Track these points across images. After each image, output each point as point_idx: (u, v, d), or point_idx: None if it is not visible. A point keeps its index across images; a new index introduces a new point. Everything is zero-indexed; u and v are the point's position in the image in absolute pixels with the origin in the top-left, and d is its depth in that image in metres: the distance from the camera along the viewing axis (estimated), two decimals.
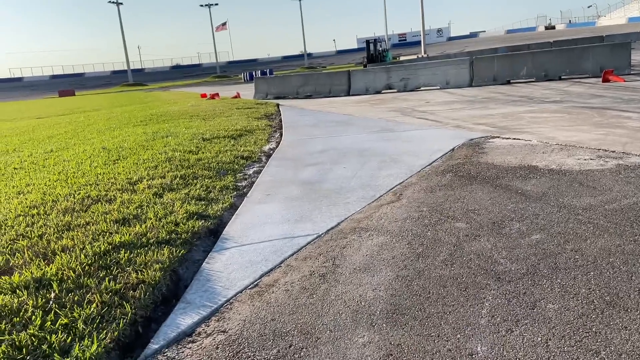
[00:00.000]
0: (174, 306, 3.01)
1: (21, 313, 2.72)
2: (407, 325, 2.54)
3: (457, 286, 2.90)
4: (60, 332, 2.54)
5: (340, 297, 2.89)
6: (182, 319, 2.80)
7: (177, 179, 5.60)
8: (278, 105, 16.01)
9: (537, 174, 5.09)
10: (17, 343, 2.45)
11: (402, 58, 50.05)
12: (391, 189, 5.01)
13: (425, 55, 48.13)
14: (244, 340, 2.54)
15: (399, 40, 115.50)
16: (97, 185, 5.43)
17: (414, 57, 48.48)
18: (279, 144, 8.18)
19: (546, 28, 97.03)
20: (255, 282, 3.17)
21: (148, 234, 3.81)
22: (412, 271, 3.14)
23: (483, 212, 4.10)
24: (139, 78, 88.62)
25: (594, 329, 2.36)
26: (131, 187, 5.27)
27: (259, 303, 2.91)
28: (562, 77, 17.24)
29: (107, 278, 3.11)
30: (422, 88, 17.87)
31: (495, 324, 2.48)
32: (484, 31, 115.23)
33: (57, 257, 3.43)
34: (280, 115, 12.93)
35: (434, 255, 3.35)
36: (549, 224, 3.71)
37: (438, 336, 2.43)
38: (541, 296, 2.71)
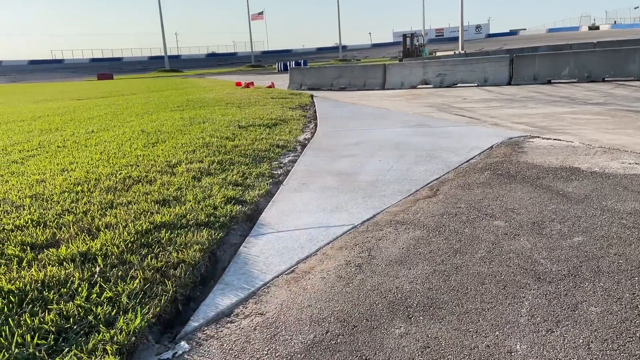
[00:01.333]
0: (212, 287, 3.07)
1: (68, 284, 2.82)
2: (445, 320, 2.53)
3: (496, 284, 2.87)
4: (105, 304, 2.62)
5: (376, 287, 2.90)
6: (220, 299, 2.85)
7: (215, 164, 5.68)
8: (312, 96, 16.02)
9: (580, 175, 4.98)
10: (64, 313, 2.53)
11: (438, 54, 49.41)
12: (427, 184, 4.98)
13: (462, 52, 47.42)
14: (281, 324, 2.58)
15: (436, 36, 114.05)
16: (138, 166, 5.55)
17: (451, 53, 47.83)
18: (313, 134, 8.21)
19: (590, 28, 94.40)
20: (292, 268, 3.21)
21: (187, 216, 3.88)
22: (450, 266, 3.12)
23: (523, 211, 4.04)
24: (175, 64, 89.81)
25: (638, 334, 2.31)
26: (170, 170, 5.37)
27: (295, 288, 2.94)
28: (606, 79, 16.76)
29: (149, 256, 3.19)
30: (458, 85, 17.63)
31: (535, 324, 2.45)
32: (525, 29, 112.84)
33: (101, 233, 3.53)
34: (315, 106, 12.95)
35: (472, 252, 3.32)
36: (591, 227, 3.64)
37: (476, 332, 2.42)
38: (583, 298, 2.66)
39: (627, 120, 8.56)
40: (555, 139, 7.02)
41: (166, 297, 2.74)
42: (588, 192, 4.42)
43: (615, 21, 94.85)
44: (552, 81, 17.05)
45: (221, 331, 2.55)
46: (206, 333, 2.54)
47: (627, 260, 3.08)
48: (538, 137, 7.27)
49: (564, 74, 16.56)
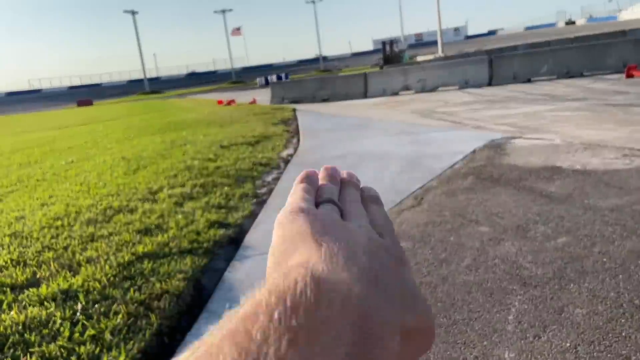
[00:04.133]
0: (197, 315, 3.02)
1: (50, 324, 2.76)
2: None
3: (483, 292, 2.86)
4: (88, 343, 2.57)
5: None
6: (205, 329, 2.79)
7: (197, 187, 5.64)
8: (294, 110, 16.03)
9: (562, 174, 5.01)
10: (47, 354, 2.48)
11: (419, 58, 49.80)
12: (412, 193, 4.98)
13: (442, 55, 47.85)
14: None
15: (416, 41, 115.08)
16: (119, 195, 5.49)
17: (431, 56, 48.22)
18: (296, 149, 8.20)
19: (566, 24, 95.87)
20: None
21: (170, 244, 3.84)
22: (436, 277, 3.11)
23: (507, 215, 4.04)
24: (155, 86, 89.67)
25: (623, 334, 2.31)
26: (152, 197, 5.32)
27: None
28: (584, 73, 16.98)
29: (131, 289, 3.14)
30: (440, 88, 17.76)
31: (522, 330, 2.44)
32: (503, 29, 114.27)
33: (83, 268, 3.48)
34: (297, 120, 12.95)
35: (458, 260, 3.31)
36: (574, 227, 3.65)
37: (464, 343, 2.40)
38: (569, 301, 2.66)
39: (606, 115, 8.65)
40: (537, 138, 7.07)
41: (151, 331, 2.69)
42: (570, 191, 4.44)
43: (590, 15, 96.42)
44: (532, 79, 17.23)
45: None
46: None
47: (610, 259, 3.08)
48: (520, 137, 7.32)
49: (543, 71, 16.76)
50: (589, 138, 6.68)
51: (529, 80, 17.14)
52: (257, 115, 14.85)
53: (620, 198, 4.14)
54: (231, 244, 4.12)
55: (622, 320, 2.42)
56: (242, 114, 15.69)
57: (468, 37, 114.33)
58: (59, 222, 4.62)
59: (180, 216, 4.55)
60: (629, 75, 15.00)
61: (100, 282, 3.22)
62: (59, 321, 2.79)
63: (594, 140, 6.47)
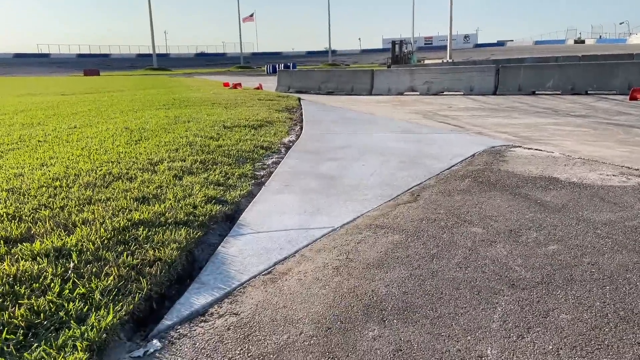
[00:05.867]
0: (188, 286, 3.05)
1: (40, 279, 2.78)
2: (418, 323, 2.54)
3: (471, 289, 2.90)
4: (77, 300, 2.59)
5: (352, 290, 2.91)
6: (195, 298, 2.83)
7: (197, 163, 5.65)
8: (299, 99, 16.03)
9: (558, 185, 5.05)
10: (35, 308, 2.50)
11: (426, 61, 49.75)
12: (409, 189, 5.01)
13: (450, 60, 47.80)
14: (255, 324, 2.57)
15: (425, 44, 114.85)
16: (119, 163, 5.50)
17: (439, 61, 48.20)
18: (299, 137, 8.21)
19: (575, 42, 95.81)
20: (269, 269, 3.20)
21: (166, 214, 3.86)
22: (426, 271, 3.14)
23: (500, 219, 4.08)
24: (163, 63, 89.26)
25: (606, 342, 2.35)
26: (152, 168, 5.33)
27: (272, 289, 2.94)
28: (589, 92, 17.02)
29: (125, 253, 3.16)
30: (445, 93, 17.78)
31: (506, 329, 2.48)
32: (512, 40, 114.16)
33: (78, 229, 3.50)
34: (302, 109, 12.96)
35: (449, 257, 3.35)
36: (566, 236, 3.69)
37: (448, 336, 2.43)
38: (555, 306, 2.70)
39: (607, 133, 8.69)
40: (536, 149, 7.10)
41: (140, 295, 2.72)
42: (565, 202, 4.48)
43: (600, 36, 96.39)
44: (536, 92, 17.28)
45: (194, 330, 2.53)
46: (179, 332, 2.52)
47: (599, 270, 3.12)
48: (520, 146, 7.36)
49: (548, 85, 16.79)
50: (588, 154, 6.72)
51: (533, 93, 17.19)
52: (262, 100, 14.84)
53: (614, 213, 4.18)
54: (227, 220, 4.15)
55: (606, 329, 2.46)
56: (247, 98, 15.67)
57: (477, 45, 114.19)
58: (57, 183, 4.63)
59: (178, 188, 4.57)
60: (633, 98, 15.04)
61: (94, 244, 3.24)
62: (50, 277, 2.81)
63: (592, 156, 6.51)
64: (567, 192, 4.81)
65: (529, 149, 7.18)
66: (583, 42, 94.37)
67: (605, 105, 13.70)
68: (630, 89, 15.82)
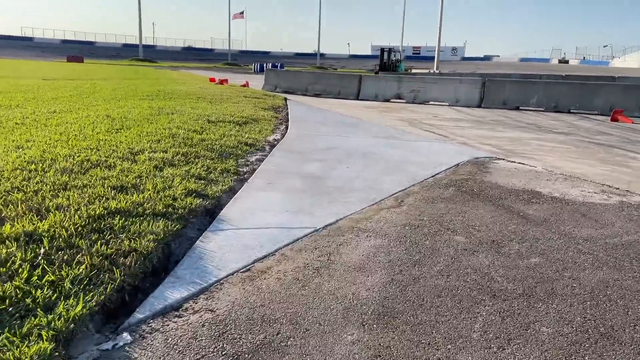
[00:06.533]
0: (163, 279, 2.95)
1: (8, 264, 2.66)
2: (398, 329, 2.49)
3: (452, 297, 2.86)
4: (46, 288, 2.48)
5: (332, 292, 2.85)
6: (170, 292, 2.74)
7: (179, 155, 5.54)
8: (286, 99, 15.95)
9: (540, 199, 5.05)
10: (1, 293, 2.38)
11: (414, 71, 50.03)
12: (393, 194, 4.97)
13: (437, 71, 48.17)
14: (231, 322, 2.49)
15: (413, 53, 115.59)
16: (98, 150, 5.36)
17: (426, 71, 48.54)
18: (284, 136, 8.13)
19: (560, 61, 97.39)
20: (248, 267, 3.12)
21: (145, 205, 3.75)
22: (408, 277, 3.09)
23: (483, 229, 4.06)
24: (149, 54, 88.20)
25: (586, 358, 2.32)
26: (132, 157, 5.21)
27: (250, 287, 2.86)
28: (572, 110, 17.25)
29: (99, 241, 3.05)
30: (431, 102, 17.85)
31: (487, 340, 2.44)
32: (498, 56, 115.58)
33: (51, 214, 3.37)
34: (288, 109, 12.88)
35: (431, 264, 3.31)
36: (548, 249, 3.68)
37: (429, 344, 2.38)
38: (536, 318, 2.67)
39: (589, 151, 8.79)
40: (519, 163, 7.13)
41: (113, 286, 2.62)
42: (547, 216, 4.48)
43: (584, 57, 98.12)
44: (520, 108, 17.46)
45: (167, 325, 2.44)
46: (151, 326, 2.43)
47: (580, 285, 3.11)
48: (503, 159, 7.38)
49: (532, 102, 16.98)
50: (570, 170, 6.76)
51: (517, 108, 17.36)
52: (248, 98, 14.72)
53: (595, 230, 4.19)
54: (206, 215, 4.05)
55: (587, 345, 2.43)
56: (233, 94, 15.53)
57: (464, 58, 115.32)
58: (32, 166, 4.47)
59: (158, 179, 4.45)
60: (614, 119, 15.29)
61: (67, 231, 3.12)
62: (18, 262, 2.69)
63: (574, 173, 6.55)
64: (549, 206, 4.82)
65: (512, 162, 7.21)
66: (567, 62, 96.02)
67: (587, 125, 13.89)
68: (612, 110, 16.09)
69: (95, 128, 6.84)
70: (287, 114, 11.58)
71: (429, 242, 3.70)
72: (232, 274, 3.02)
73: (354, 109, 14.45)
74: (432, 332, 2.48)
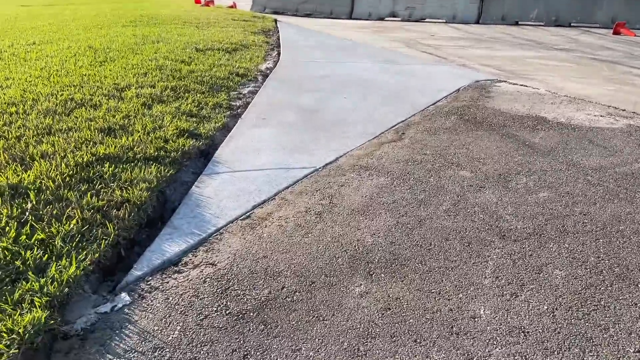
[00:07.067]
0: (159, 230, 2.83)
1: None
2: (407, 278, 2.40)
3: (460, 240, 2.75)
4: (36, 248, 2.35)
5: (336, 239, 2.73)
6: (168, 245, 2.62)
7: (168, 90, 5.26)
8: (276, 21, 15.26)
9: (546, 126, 4.88)
10: None
11: None
12: (393, 126, 4.78)
13: None
14: (233, 276, 2.39)
15: None
16: (82, 87, 5.07)
17: None
18: (276, 63, 7.77)
19: None
20: (248, 213, 2.99)
21: (135, 149, 3.56)
22: (414, 219, 2.98)
23: (489, 161, 3.91)
24: None
25: (602, 303, 2.25)
26: (118, 94, 4.94)
27: (250, 237, 2.74)
28: (572, 24, 16.68)
29: (89, 193, 2.89)
30: (427, 20, 17.17)
31: (499, 286, 2.36)
32: None
33: (36, 163, 3.18)
34: (279, 32, 12.32)
35: (437, 203, 3.18)
36: (557, 182, 3.55)
37: (439, 293, 2.30)
38: (548, 260, 2.58)
39: (592, 69, 8.51)
40: (521, 85, 6.89)
41: (107, 242, 2.49)
42: (554, 145, 4.33)
43: None
44: (519, 23, 16.86)
45: (167, 282, 2.34)
46: (150, 284, 2.32)
47: (592, 221, 3.01)
48: (505, 81, 7.13)
49: (531, 16, 16.35)
50: (574, 91, 6.54)
51: (516, 24, 16.77)
52: (237, 21, 14.05)
53: (604, 158, 4.05)
54: (201, 156, 3.88)
55: (602, 288, 2.35)
56: (221, 17, 14.81)
57: None
58: (13, 109, 4.22)
59: (147, 119, 4.23)
60: (616, 32, 14.82)
61: (54, 182, 2.95)
62: (4, 219, 2.54)
63: (579, 94, 6.34)
64: (556, 133, 4.66)
65: (514, 84, 6.96)
66: None
67: (588, 39, 13.44)
68: (614, 22, 15.54)
69: (77, 61, 6.49)
70: (278, 38, 11.08)
71: (433, 179, 3.56)
72: (232, 222, 2.90)
73: (347, 30, 13.86)
74: (442, 280, 2.39)
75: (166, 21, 12.83)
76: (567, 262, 2.57)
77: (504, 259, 2.59)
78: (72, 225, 2.54)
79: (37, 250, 2.33)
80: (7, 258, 2.26)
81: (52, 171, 3.07)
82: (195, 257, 2.55)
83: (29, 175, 2.99)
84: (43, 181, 2.94)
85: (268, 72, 7.06)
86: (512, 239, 2.79)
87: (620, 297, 2.29)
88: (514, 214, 3.07)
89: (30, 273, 2.18)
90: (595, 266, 2.54)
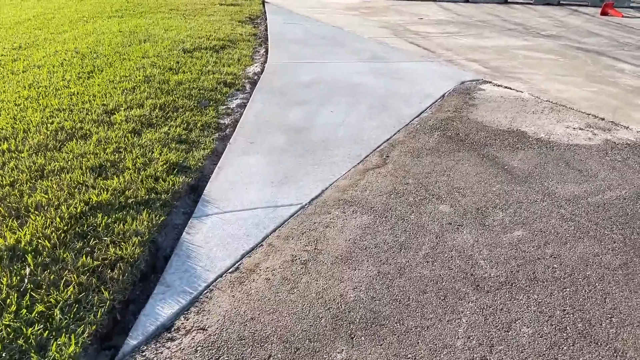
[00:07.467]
0: (153, 284, 2.99)
1: None
2: (386, 342, 2.58)
3: (437, 293, 2.93)
4: (37, 323, 2.50)
5: (320, 294, 2.90)
6: (161, 307, 2.78)
7: (156, 110, 5.34)
8: (264, 3, 15.10)
9: (526, 143, 5.03)
10: None
11: None
12: (378, 147, 4.91)
13: None
14: (223, 343, 2.56)
15: None
16: (71, 111, 5.13)
17: None
18: (264, 65, 7.80)
19: None
20: (237, 264, 3.15)
21: (126, 192, 3.68)
22: (394, 267, 3.15)
23: (468, 192, 4.07)
24: None
25: None
26: (107, 119, 5.01)
27: (239, 294, 2.90)
28: (562, 2, 16.66)
29: (84, 250, 3.03)
30: None
31: (470, 348, 2.54)
32: None
33: (31, 217, 3.31)
34: (267, 20, 12.23)
35: (417, 247, 3.35)
36: (531, 217, 3.73)
37: (414, 358, 2.49)
38: (517, 315, 2.77)
39: (576, 62, 8.61)
40: (505, 87, 7.02)
41: (103, 309, 2.64)
42: (532, 169, 4.49)
43: None
44: (508, 1, 16.82)
45: (161, 353, 2.51)
46: (145, 356, 2.49)
47: (561, 265, 3.20)
48: (490, 82, 7.25)
49: None
50: (557, 94, 6.68)
51: (505, 2, 16.74)
52: (224, 5, 13.91)
53: (579, 185, 4.22)
54: (191, 192, 4.00)
55: (564, 348, 2.55)
56: (207, 1, 14.63)
57: None
58: (5, 145, 4.30)
59: (137, 151, 4.33)
60: (604, 13, 14.84)
61: (50, 240, 3.08)
62: (5, 289, 2.69)
63: (561, 98, 6.48)
64: (534, 154, 4.81)
65: (498, 86, 7.08)
66: None
67: (576, 22, 13.47)
68: (603, 1, 15.53)
69: (65, 73, 6.50)
70: (266, 29, 11.03)
71: (414, 216, 3.72)
72: (221, 275, 3.05)
73: (336, 13, 13.77)
74: (418, 343, 2.58)
75: (152, 9, 12.69)
76: (534, 317, 2.76)
77: (477, 315, 2.77)
78: (69, 293, 2.69)
79: (37, 326, 2.48)
80: (11, 336, 2.42)
81: (47, 227, 3.20)
82: (187, 320, 2.72)
83: (25, 233, 3.12)
84: (39, 240, 3.07)
85: (256, 78, 7.11)
86: (485, 290, 2.97)
87: (581, 358, 2.49)
88: (488, 259, 3.25)
89: (32, 352, 2.34)
90: (561, 321, 2.73)
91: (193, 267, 3.11)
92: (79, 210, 3.40)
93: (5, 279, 2.74)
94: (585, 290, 2.98)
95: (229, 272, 3.09)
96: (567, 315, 2.77)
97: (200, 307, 2.81)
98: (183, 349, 2.53)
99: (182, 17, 11.65)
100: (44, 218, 3.29)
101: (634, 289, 3.00)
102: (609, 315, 2.78)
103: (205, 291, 2.93)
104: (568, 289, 2.98)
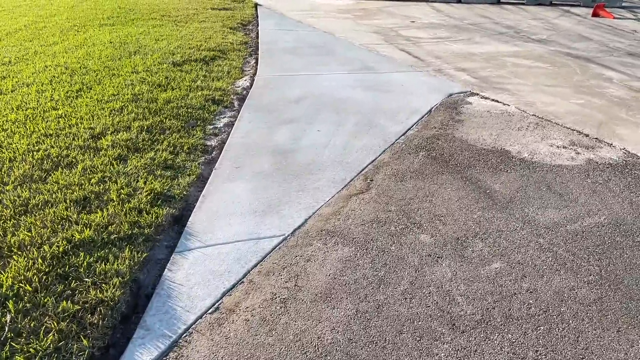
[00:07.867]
0: (134, 324, 3.04)
1: None
2: None
3: (413, 334, 2.99)
4: None
5: (298, 337, 2.96)
6: (139, 353, 2.82)
7: (143, 133, 5.37)
8: (257, 6, 15.10)
9: (509, 164, 5.08)
10: None
11: None
12: (363, 169, 4.95)
13: None
14: None
15: None
16: (58, 137, 5.17)
17: None
18: (253, 79, 7.83)
19: None
20: (216, 304, 3.20)
21: (109, 227, 3.72)
22: (372, 305, 3.20)
23: (449, 220, 4.12)
24: None
25: None
26: (94, 144, 5.04)
27: (218, 337, 2.95)
28: (553, 2, 16.70)
29: (64, 293, 3.08)
30: None
31: None
32: None
33: (14, 258, 3.35)
34: (258, 25, 12.24)
35: (395, 282, 3.40)
36: (510, 247, 3.78)
37: None
38: (490, 357, 2.82)
39: (564, 71, 8.65)
40: (492, 100, 7.06)
41: (82, 359, 2.69)
42: (513, 193, 4.54)
43: None
44: (501, 1, 16.85)
45: None
46: None
47: (536, 300, 3.25)
48: (477, 94, 7.29)
49: None
50: (543, 108, 6.73)
51: (498, 2, 16.76)
52: (215, 10, 13.90)
53: (559, 211, 4.27)
54: (174, 224, 4.05)
55: None
56: (200, 5, 14.61)
57: None
58: None
59: (122, 180, 4.37)
60: (595, 14, 14.86)
61: (31, 284, 3.13)
62: None
63: (547, 112, 6.53)
64: (517, 176, 4.86)
65: (485, 98, 7.12)
66: None
67: (567, 24, 13.50)
68: (594, 1, 15.56)
69: (54, 92, 6.52)
70: (257, 36, 11.05)
71: (394, 248, 3.77)
72: (201, 316, 3.10)
73: (328, 16, 13.78)
74: None
75: (144, 16, 12.67)
76: (507, 359, 2.82)
77: (451, 357, 2.83)
78: (49, 341, 2.74)
79: None
80: None
81: (29, 269, 3.24)
82: None
83: (6, 277, 3.16)
84: (21, 284, 3.11)
85: (245, 93, 7.14)
86: (461, 329, 3.02)
87: None
88: (465, 295, 3.30)
89: None
90: None
91: (173, 308, 3.16)
92: (61, 249, 3.45)
93: None
94: (559, 329, 3.03)
95: (209, 313, 3.13)
96: (539, 357, 2.83)
97: (178, 353, 2.85)
98: None
99: (174, 24, 11.65)
100: (26, 259, 3.33)
101: (607, 327, 3.06)
102: (581, 357, 2.84)
103: (185, 334, 2.97)
104: (542, 327, 3.04)
